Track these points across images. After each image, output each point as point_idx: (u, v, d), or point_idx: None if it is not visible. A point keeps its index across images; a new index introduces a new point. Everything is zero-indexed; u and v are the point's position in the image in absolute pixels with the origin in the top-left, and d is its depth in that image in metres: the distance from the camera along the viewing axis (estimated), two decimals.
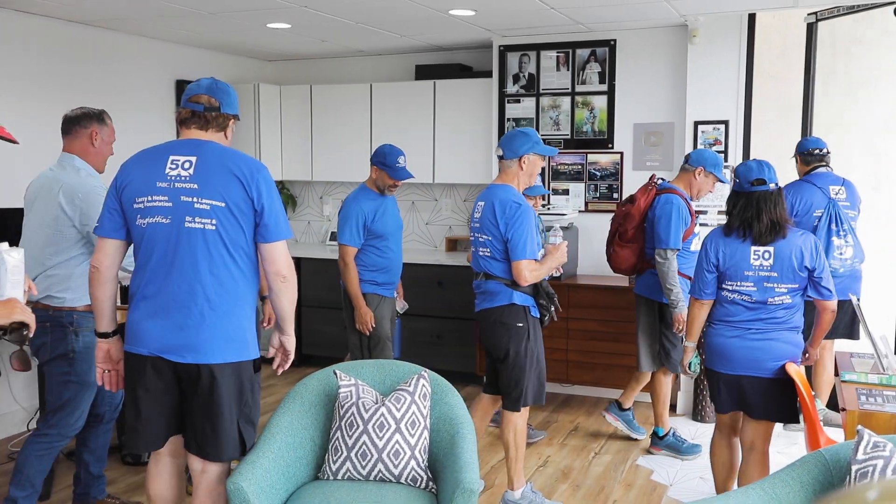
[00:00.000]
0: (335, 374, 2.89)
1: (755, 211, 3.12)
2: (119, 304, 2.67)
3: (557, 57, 5.51)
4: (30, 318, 2.29)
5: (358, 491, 2.65)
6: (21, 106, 4.74)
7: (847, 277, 4.29)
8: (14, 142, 2.47)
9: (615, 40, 5.34)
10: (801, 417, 3.24)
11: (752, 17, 4.97)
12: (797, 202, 4.37)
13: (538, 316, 3.55)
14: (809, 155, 4.54)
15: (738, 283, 3.16)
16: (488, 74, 5.78)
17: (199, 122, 2.53)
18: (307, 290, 6.11)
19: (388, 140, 6.16)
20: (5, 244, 2.31)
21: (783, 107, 6.57)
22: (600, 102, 5.43)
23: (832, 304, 3.18)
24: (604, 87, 5.41)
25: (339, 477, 2.74)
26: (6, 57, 4.67)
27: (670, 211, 4.04)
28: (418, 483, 2.73)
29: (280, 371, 2.72)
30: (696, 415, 5.03)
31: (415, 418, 2.78)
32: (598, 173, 5.45)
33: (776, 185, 3.15)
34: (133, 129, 5.51)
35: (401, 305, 4.54)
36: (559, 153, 5.54)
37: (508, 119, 5.67)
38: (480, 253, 3.56)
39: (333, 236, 6.67)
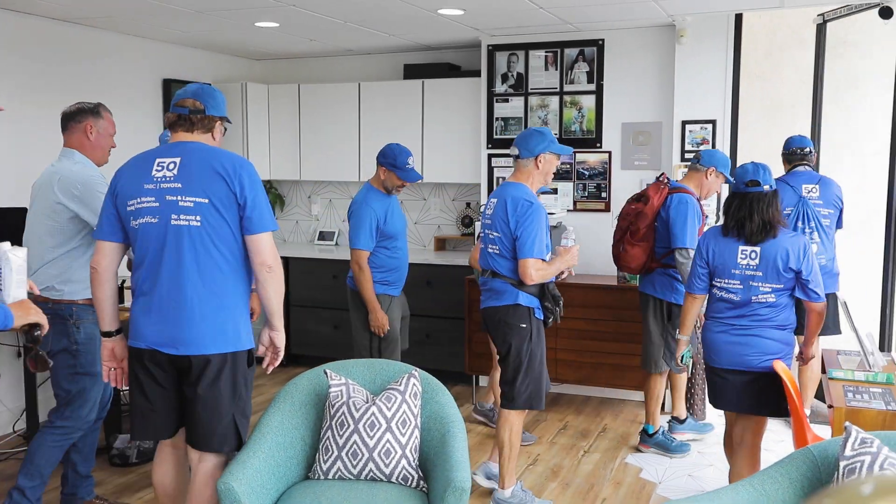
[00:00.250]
0: (326, 373, 2.89)
1: (748, 211, 3.20)
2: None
3: (546, 56, 5.52)
4: (42, 318, 2.40)
5: (349, 490, 2.65)
6: (7, 104, 4.70)
7: None
8: None
9: (603, 40, 5.36)
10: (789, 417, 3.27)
11: (738, 18, 5.00)
12: None
13: (542, 318, 3.54)
14: (792, 154, 4.59)
15: (726, 281, 3.26)
16: (477, 74, 5.78)
17: (186, 125, 2.64)
18: (296, 289, 6.09)
19: (377, 139, 6.15)
20: (7, 243, 2.37)
21: (769, 107, 6.62)
22: (588, 102, 5.44)
23: (818, 306, 3.23)
24: (592, 87, 5.42)
25: (330, 476, 2.74)
26: None
27: (686, 211, 4.06)
28: (409, 482, 2.74)
29: (270, 369, 2.74)
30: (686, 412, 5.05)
31: (405, 417, 2.78)
32: (586, 172, 5.47)
33: (770, 186, 3.23)
34: (120, 129, 5.45)
35: (404, 309, 4.52)
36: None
37: (497, 118, 5.68)
38: (489, 250, 3.56)
39: (322, 236, 6.66)
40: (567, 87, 5.49)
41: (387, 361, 3.08)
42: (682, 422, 4.64)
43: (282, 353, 2.73)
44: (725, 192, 4.53)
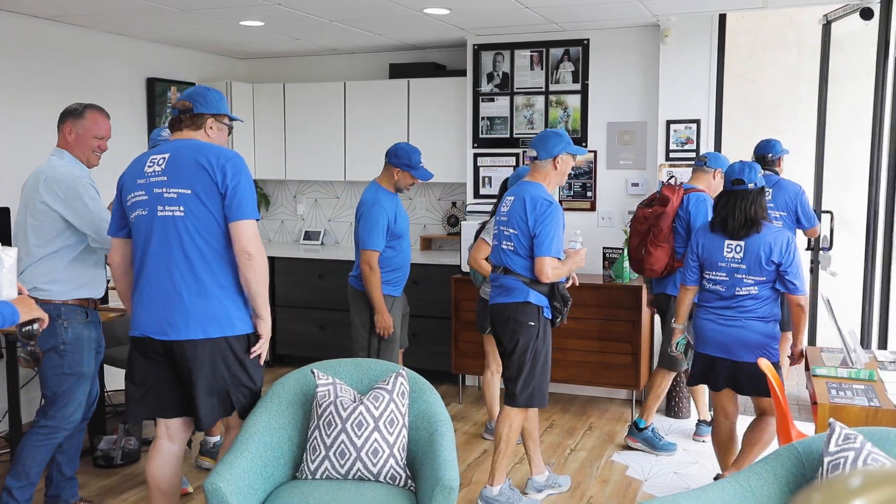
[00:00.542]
0: (313, 373, 2.88)
1: (731, 208, 3.39)
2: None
3: (531, 56, 5.53)
4: (43, 313, 2.55)
5: (336, 490, 2.64)
6: None
7: None
8: None
9: (588, 40, 5.38)
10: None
11: (722, 18, 5.03)
12: None
13: (550, 318, 3.57)
14: (758, 160, 4.67)
15: (714, 273, 3.45)
16: (462, 73, 5.79)
17: (177, 125, 2.80)
18: (281, 289, 6.07)
19: (362, 139, 6.15)
20: None
21: (752, 106, 6.68)
22: (574, 101, 5.46)
23: (798, 298, 3.39)
24: (577, 87, 5.44)
25: (318, 476, 2.73)
26: None
27: (706, 208, 4.13)
28: (397, 481, 2.73)
29: (252, 356, 2.78)
30: (670, 411, 5.08)
31: (393, 416, 2.78)
32: (571, 172, 5.47)
33: (756, 185, 3.39)
34: None
35: (405, 308, 4.51)
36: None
37: (483, 118, 5.68)
38: (503, 246, 3.58)
39: (307, 235, 6.63)
40: (552, 87, 5.50)
41: (374, 361, 3.08)
42: (640, 429, 4.53)
43: (263, 342, 2.79)
44: None
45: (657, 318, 4.96)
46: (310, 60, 6.56)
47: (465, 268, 5.25)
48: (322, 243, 6.56)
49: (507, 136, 5.64)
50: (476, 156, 5.73)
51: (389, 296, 4.20)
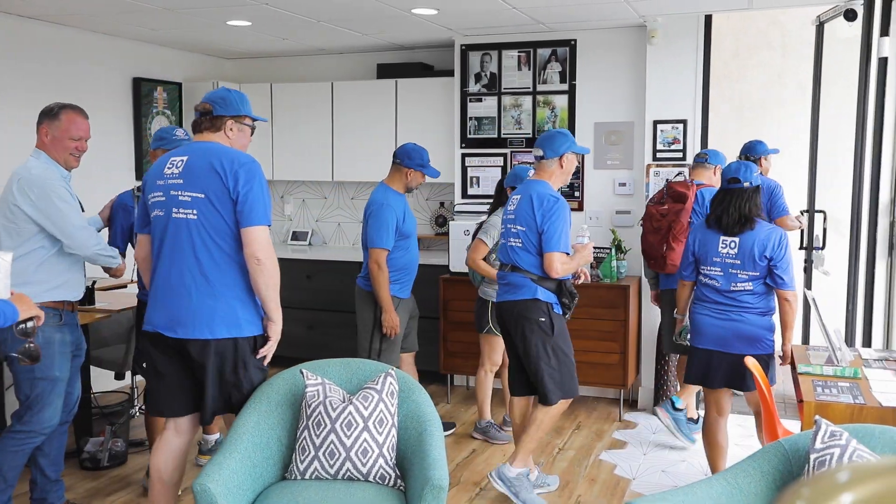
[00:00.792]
0: (302, 373, 2.88)
1: (727, 205, 3.48)
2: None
3: (519, 56, 5.55)
4: (39, 311, 2.61)
5: (326, 490, 2.64)
6: None
7: None
8: None
9: (575, 40, 5.40)
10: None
11: (708, 19, 5.06)
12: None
13: (561, 312, 3.61)
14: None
15: (709, 268, 3.56)
16: (450, 73, 5.79)
17: (197, 127, 2.87)
18: None
19: (350, 139, 6.15)
20: None
21: (737, 107, 6.72)
22: (561, 102, 5.48)
23: (786, 293, 3.46)
24: (564, 87, 5.46)
25: (307, 476, 2.73)
26: None
27: None
28: (387, 481, 2.74)
29: (258, 355, 2.84)
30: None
31: (382, 416, 2.78)
32: None
33: (751, 183, 3.48)
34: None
35: (413, 309, 4.50)
36: (521, 152, 5.59)
37: (470, 118, 5.69)
38: (511, 243, 3.63)
39: (295, 236, 6.62)
40: (540, 87, 5.52)
41: (364, 361, 3.08)
42: (695, 422, 4.62)
43: (271, 343, 2.86)
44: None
45: (651, 317, 4.99)
46: (297, 60, 6.55)
47: (454, 268, 5.25)
48: (310, 244, 6.55)
49: (495, 136, 5.65)
50: (464, 156, 5.74)
51: (396, 297, 4.21)
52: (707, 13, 4.99)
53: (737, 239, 3.46)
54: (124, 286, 4.64)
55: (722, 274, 3.49)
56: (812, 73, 5.43)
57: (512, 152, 5.63)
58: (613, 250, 5.11)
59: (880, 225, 4.37)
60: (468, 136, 5.71)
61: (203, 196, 2.70)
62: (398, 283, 4.22)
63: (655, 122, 5.16)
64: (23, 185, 3.21)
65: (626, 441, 4.66)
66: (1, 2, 4.48)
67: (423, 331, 5.58)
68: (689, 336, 3.84)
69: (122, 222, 3.72)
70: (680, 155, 5.13)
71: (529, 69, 5.53)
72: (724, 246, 3.49)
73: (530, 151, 5.57)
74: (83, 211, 3.49)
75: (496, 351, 4.57)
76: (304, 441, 2.75)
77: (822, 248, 5.20)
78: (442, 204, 6.20)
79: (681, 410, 4.52)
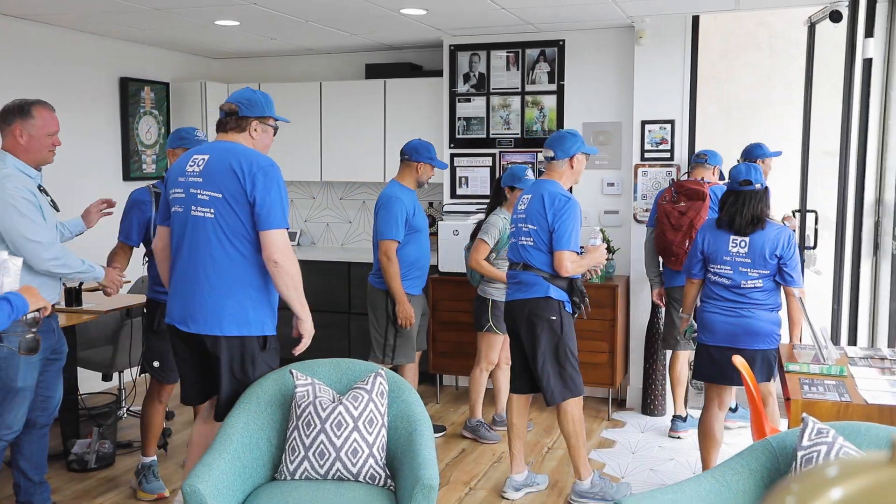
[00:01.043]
0: (291, 373, 2.87)
1: (740, 206, 3.56)
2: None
3: (507, 57, 5.56)
4: (46, 302, 2.67)
5: (316, 490, 2.64)
6: None
7: None
8: None
9: (564, 41, 5.42)
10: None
11: (696, 20, 5.09)
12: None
13: (571, 311, 3.64)
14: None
15: (719, 267, 3.62)
16: (439, 74, 5.80)
17: (222, 127, 2.91)
18: None
19: (338, 139, 6.14)
20: (5, 252, 2.62)
21: (725, 107, 6.76)
22: (550, 102, 5.50)
23: (796, 290, 3.57)
24: (553, 87, 5.48)
25: (297, 477, 2.73)
26: None
27: None
28: (377, 481, 2.74)
29: (296, 352, 2.94)
30: (645, 408, 5.13)
31: (372, 416, 2.78)
32: None
33: (761, 185, 3.59)
34: (76, 129, 5.37)
35: (424, 307, 4.50)
36: (509, 152, 5.60)
37: (459, 118, 5.70)
38: (522, 242, 3.65)
39: None
40: (528, 87, 5.53)
41: (353, 361, 3.08)
42: (683, 419, 4.73)
43: (305, 339, 2.94)
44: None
45: (639, 317, 5.01)
46: (285, 60, 6.53)
47: (443, 267, 5.26)
48: (298, 244, 6.53)
49: (484, 136, 5.66)
50: (453, 156, 5.74)
51: (407, 294, 4.23)
52: (695, 14, 5.02)
53: (747, 238, 3.54)
54: None
55: (732, 272, 3.57)
56: (804, 74, 5.46)
57: (501, 152, 5.64)
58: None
59: (865, 225, 4.41)
60: (457, 136, 5.72)
61: (220, 196, 2.76)
62: (409, 280, 4.23)
63: (643, 123, 5.19)
64: None
65: (614, 440, 4.68)
66: None
67: None
68: (695, 334, 3.93)
69: (138, 218, 3.73)
70: (668, 155, 5.15)
71: (518, 69, 5.54)
72: (734, 245, 3.57)
73: (518, 152, 5.59)
74: (58, 211, 3.38)
75: (494, 350, 4.59)
76: (293, 441, 2.74)
77: (814, 247, 5.24)
78: (431, 204, 6.20)
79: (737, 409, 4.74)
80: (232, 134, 2.88)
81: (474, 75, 5.63)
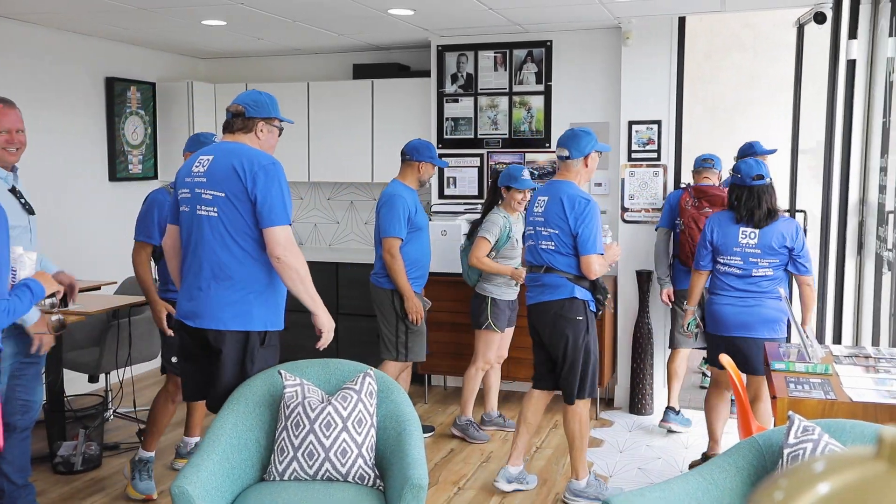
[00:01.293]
0: (280, 373, 2.87)
1: (757, 201, 3.68)
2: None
3: (495, 57, 5.57)
4: (58, 286, 2.73)
5: (305, 491, 2.64)
6: None
7: None
8: None
9: (551, 41, 5.43)
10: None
11: (682, 21, 5.12)
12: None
13: (595, 311, 3.69)
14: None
15: (728, 258, 3.74)
16: (426, 74, 5.80)
17: (229, 128, 2.96)
18: None
19: (326, 140, 6.12)
20: (20, 248, 2.67)
21: (710, 108, 6.80)
22: (537, 102, 5.51)
23: (807, 278, 3.72)
24: (540, 88, 5.49)
25: (286, 477, 2.72)
26: None
27: None
28: (366, 481, 2.74)
29: (319, 348, 2.97)
30: (633, 408, 5.16)
31: (361, 416, 2.78)
32: (535, 172, 5.53)
33: (770, 179, 3.71)
34: (62, 129, 5.33)
35: (425, 302, 4.51)
36: (497, 152, 5.61)
37: (447, 119, 5.70)
38: (543, 246, 3.65)
39: None
40: (516, 88, 5.54)
41: (341, 361, 3.08)
42: (676, 412, 4.81)
43: (326, 333, 2.97)
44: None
45: (627, 317, 5.02)
46: (273, 60, 6.52)
47: (431, 268, 5.25)
48: None
49: (472, 136, 5.67)
50: (440, 156, 5.74)
51: None
52: (681, 15, 5.05)
53: (757, 230, 3.66)
54: (97, 288, 4.58)
55: (742, 262, 3.69)
56: (794, 75, 5.51)
57: (488, 153, 5.65)
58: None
59: (849, 224, 4.45)
60: (445, 136, 5.72)
61: (223, 195, 2.82)
62: (410, 279, 4.25)
63: (630, 123, 5.21)
64: None
65: (602, 439, 4.70)
66: None
67: None
68: (696, 329, 4.02)
69: (157, 217, 3.76)
70: (655, 155, 5.18)
71: (505, 70, 5.55)
72: (744, 236, 3.69)
73: (506, 152, 5.60)
74: (33, 214, 3.23)
75: (491, 349, 4.60)
76: (282, 442, 2.74)
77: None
78: None
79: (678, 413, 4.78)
80: (239, 135, 2.94)
81: (462, 76, 5.64)
